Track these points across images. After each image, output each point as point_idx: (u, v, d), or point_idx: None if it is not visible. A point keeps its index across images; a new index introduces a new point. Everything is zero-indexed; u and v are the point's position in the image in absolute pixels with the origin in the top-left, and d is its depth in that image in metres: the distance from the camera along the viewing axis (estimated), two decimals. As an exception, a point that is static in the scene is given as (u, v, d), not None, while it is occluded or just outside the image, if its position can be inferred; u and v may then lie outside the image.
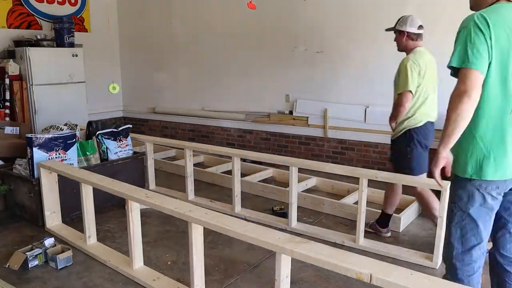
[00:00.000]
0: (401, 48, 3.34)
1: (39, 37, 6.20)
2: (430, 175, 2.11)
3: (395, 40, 3.36)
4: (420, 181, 3.20)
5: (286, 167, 3.94)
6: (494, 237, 2.12)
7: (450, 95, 1.87)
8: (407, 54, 3.27)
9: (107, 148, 4.23)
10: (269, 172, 5.18)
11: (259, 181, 4.83)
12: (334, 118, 5.46)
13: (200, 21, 6.55)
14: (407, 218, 3.75)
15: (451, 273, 2.07)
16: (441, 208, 2.95)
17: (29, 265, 2.97)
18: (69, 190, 3.73)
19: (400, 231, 3.62)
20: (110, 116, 7.73)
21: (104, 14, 7.27)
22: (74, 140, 3.89)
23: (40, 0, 6.55)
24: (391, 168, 3.51)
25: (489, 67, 1.82)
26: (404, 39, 3.27)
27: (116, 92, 6.26)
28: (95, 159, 4.13)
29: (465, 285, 1.78)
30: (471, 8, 2.03)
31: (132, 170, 4.33)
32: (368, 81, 5.13)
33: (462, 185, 1.98)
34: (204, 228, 2.43)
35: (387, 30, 3.42)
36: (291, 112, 5.83)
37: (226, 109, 6.21)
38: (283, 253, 2.07)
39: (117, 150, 4.30)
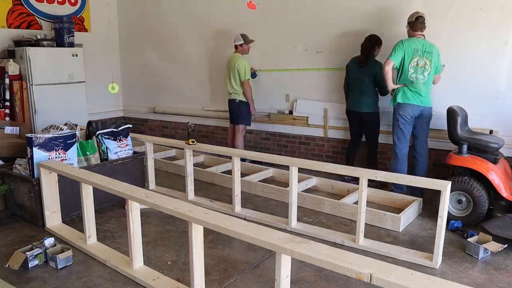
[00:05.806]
0: None
1: (39, 37, 6.20)
2: None
3: None
4: (420, 181, 3.20)
5: (286, 167, 3.94)
6: None
7: None
8: None
9: (107, 148, 4.23)
10: (269, 172, 5.18)
11: (259, 181, 4.83)
12: (334, 118, 5.46)
13: (200, 21, 6.55)
14: (407, 218, 3.76)
15: None
16: (441, 208, 2.95)
17: (29, 265, 2.97)
18: (69, 190, 3.74)
19: (400, 231, 3.62)
20: (110, 116, 7.73)
21: (104, 14, 7.27)
22: (74, 140, 3.89)
23: (40, 0, 6.56)
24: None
25: None
26: None
27: (116, 92, 6.26)
28: (95, 159, 4.13)
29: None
30: None
31: (132, 170, 4.33)
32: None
33: None
34: (204, 228, 2.43)
35: None
36: (291, 112, 5.82)
37: (227, 109, 6.20)
38: (283, 253, 2.07)
39: (117, 150, 4.30)
